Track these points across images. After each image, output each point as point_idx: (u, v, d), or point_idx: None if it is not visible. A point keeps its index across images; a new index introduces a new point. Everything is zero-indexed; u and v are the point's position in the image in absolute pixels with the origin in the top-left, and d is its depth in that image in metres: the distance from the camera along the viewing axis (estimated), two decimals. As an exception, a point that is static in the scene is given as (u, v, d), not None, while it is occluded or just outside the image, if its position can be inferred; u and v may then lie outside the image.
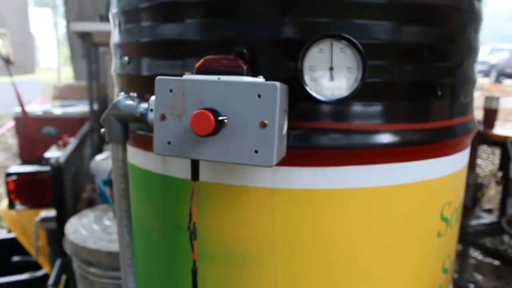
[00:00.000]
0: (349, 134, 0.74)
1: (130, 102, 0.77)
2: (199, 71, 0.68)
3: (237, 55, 0.71)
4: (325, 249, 0.79)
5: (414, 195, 0.82)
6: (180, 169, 0.81)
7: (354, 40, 0.67)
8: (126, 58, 0.90)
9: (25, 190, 2.24)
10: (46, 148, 3.26)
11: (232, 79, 0.65)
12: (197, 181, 0.74)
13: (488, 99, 3.07)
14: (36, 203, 2.30)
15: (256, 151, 0.62)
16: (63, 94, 4.74)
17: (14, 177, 2.21)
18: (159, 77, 0.67)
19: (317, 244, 0.78)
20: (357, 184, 0.77)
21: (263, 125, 0.61)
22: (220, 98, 0.63)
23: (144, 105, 0.75)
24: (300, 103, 0.72)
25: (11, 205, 2.24)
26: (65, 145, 3.17)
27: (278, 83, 0.61)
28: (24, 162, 3.67)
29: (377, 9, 0.73)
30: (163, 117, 0.66)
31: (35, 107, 4.37)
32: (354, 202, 0.78)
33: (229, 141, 0.63)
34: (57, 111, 4.10)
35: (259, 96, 0.61)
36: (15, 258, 2.55)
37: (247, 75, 0.67)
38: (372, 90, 0.74)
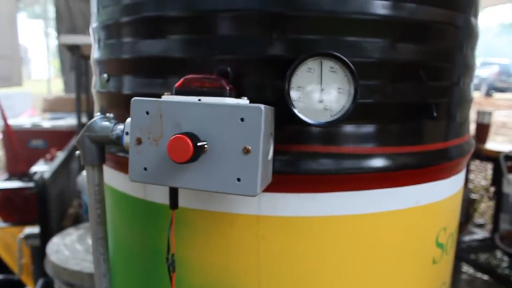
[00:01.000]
0: (339, 159, 0.70)
1: (106, 123, 0.72)
2: (179, 92, 0.63)
3: (220, 74, 0.67)
4: (313, 279, 0.74)
5: (408, 221, 0.78)
6: (160, 195, 0.76)
7: (345, 59, 0.63)
8: (105, 75, 0.85)
9: (8, 207, 2.16)
10: (34, 161, 3.18)
11: (213, 100, 0.60)
12: (178, 207, 0.69)
13: (480, 113, 3.05)
14: (20, 220, 2.22)
15: (238, 179, 0.58)
16: (53, 106, 4.67)
17: (-4, 194, 2.13)
18: (134, 98, 0.62)
19: (305, 274, 0.73)
20: (348, 211, 0.72)
21: (246, 151, 0.57)
22: (200, 122, 0.58)
23: (120, 127, 0.70)
24: (288, 125, 0.68)
25: (-7, 222, 2.16)
26: (52, 159, 3.09)
27: (262, 106, 0.56)
28: (11, 176, 3.59)
29: (369, 26, 0.69)
30: (139, 141, 0.61)
31: (24, 120, 4.30)
32: (344, 230, 0.73)
33: (210, 168, 0.58)
34: (46, 124, 4.03)
35: (242, 119, 0.56)
36: (-2, 277, 2.46)
37: (231, 96, 0.62)
38: (364, 111, 0.70)
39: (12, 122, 3.54)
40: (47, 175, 2.08)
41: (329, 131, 0.69)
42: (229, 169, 0.58)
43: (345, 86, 0.63)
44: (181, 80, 0.63)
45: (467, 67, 0.83)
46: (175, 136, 0.55)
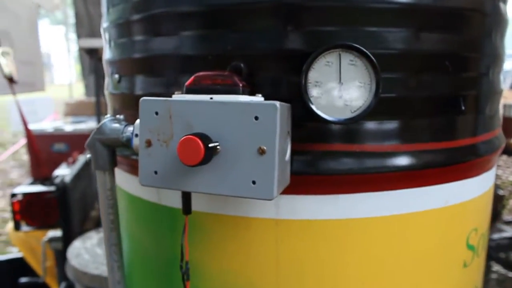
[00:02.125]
0: (362, 157, 0.66)
1: (116, 125, 0.69)
2: (190, 90, 0.60)
3: (233, 70, 0.64)
4: (335, 286, 0.70)
5: (436, 223, 0.73)
6: (174, 199, 0.73)
7: (365, 50, 0.58)
8: (116, 76, 0.83)
9: (31, 211, 2.18)
10: (57, 165, 3.21)
11: (225, 99, 0.57)
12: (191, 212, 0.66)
13: (507, 107, 2.94)
14: (42, 224, 2.24)
15: (253, 182, 0.54)
16: (74, 110, 4.73)
17: (19, 198, 2.15)
18: (143, 98, 0.59)
19: (326, 280, 0.69)
20: (371, 213, 0.68)
21: (262, 151, 0.53)
22: (212, 121, 0.55)
23: (130, 129, 0.67)
24: (306, 123, 0.64)
25: (17, 226, 2.18)
26: (74, 162, 3.12)
27: (278, 103, 0.52)
28: (35, 180, 3.64)
29: (391, 15, 0.64)
30: (148, 143, 0.59)
31: (47, 124, 4.36)
32: (368, 233, 0.69)
33: (223, 170, 0.55)
34: (68, 127, 4.08)
35: (256, 118, 0.53)
36: (23, 280, 2.48)
37: (244, 93, 0.59)
38: (387, 106, 0.66)
39: (34, 127, 3.59)
40: (68, 179, 2.09)
41: (350, 129, 0.65)
42: (243, 171, 0.54)
43: (366, 80, 0.59)
44: (192, 77, 0.60)
45: (496, 57, 0.78)
46: (185, 137, 0.52)
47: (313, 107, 0.59)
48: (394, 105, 0.67)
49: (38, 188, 2.24)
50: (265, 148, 0.53)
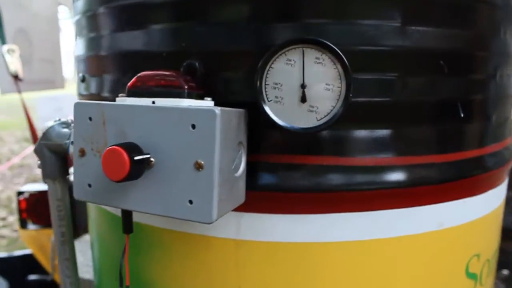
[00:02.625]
0: (340, 172, 0.56)
1: (64, 130, 0.62)
2: (132, 93, 0.52)
3: (187, 70, 0.55)
4: (308, 319, 0.60)
5: (428, 248, 0.62)
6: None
7: (333, 46, 0.49)
8: (80, 75, 0.76)
9: (37, 209, 2.17)
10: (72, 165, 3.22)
11: (163, 103, 0.49)
12: (150, 226, 0.58)
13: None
14: (48, 222, 2.22)
15: (190, 202, 0.46)
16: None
17: (25, 196, 2.14)
18: (77, 101, 0.52)
19: (297, 312, 0.60)
20: (351, 237, 0.58)
21: (199, 166, 0.45)
22: (147, 129, 0.47)
23: (74, 135, 0.60)
24: (271, 132, 0.55)
25: (23, 225, 2.17)
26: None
27: (218, 109, 0.44)
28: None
29: (378, 3, 0.54)
30: (82, 153, 0.51)
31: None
32: (346, 260, 0.59)
33: (157, 187, 0.47)
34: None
35: (193, 126, 0.44)
36: (32, 277, 2.48)
37: (190, 97, 0.50)
38: (374, 112, 0.56)
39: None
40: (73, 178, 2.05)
41: (323, 138, 0.56)
42: (179, 189, 0.46)
43: (335, 81, 0.50)
44: (134, 78, 0.52)
45: (506, 56, 0.66)
46: (109, 148, 0.44)
47: (271, 113, 0.50)
48: (381, 111, 0.57)
49: (45, 186, 2.22)
50: (202, 162, 0.44)
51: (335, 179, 0.56)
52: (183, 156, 0.45)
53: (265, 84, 0.50)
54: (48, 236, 2.41)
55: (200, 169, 0.45)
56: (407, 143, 0.58)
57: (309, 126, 0.50)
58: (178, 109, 0.45)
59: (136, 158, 0.44)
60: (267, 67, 0.50)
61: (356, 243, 0.59)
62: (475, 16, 0.62)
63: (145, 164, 0.47)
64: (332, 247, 0.59)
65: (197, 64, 0.55)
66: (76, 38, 0.80)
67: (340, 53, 0.49)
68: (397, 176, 0.58)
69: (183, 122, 0.45)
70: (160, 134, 0.46)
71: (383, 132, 0.57)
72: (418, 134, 0.59)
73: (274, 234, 0.58)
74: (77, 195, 0.53)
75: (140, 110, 0.47)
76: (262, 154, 0.56)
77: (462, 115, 0.61)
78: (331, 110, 0.50)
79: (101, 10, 0.66)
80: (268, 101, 0.50)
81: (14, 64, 1.84)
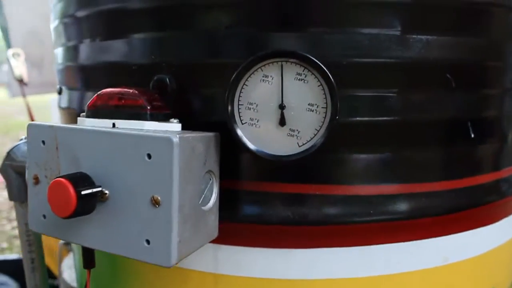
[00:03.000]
0: (328, 202, 0.49)
1: (30, 149, 0.57)
2: (91, 113, 0.46)
3: (156, 85, 0.49)
4: None
5: (433, 285, 0.55)
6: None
7: (316, 60, 0.42)
8: (58, 87, 0.71)
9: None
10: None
11: (123, 126, 0.43)
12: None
13: None
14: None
15: (147, 242, 0.40)
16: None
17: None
18: (30, 122, 0.46)
19: None
20: (338, 274, 0.51)
21: (155, 202, 0.38)
22: (100, 158, 0.41)
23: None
24: (247, 156, 0.49)
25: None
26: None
27: (176, 136, 0.38)
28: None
29: (373, 9, 0.47)
30: (36, 180, 0.46)
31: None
32: (337, 299, 0.52)
33: (113, 223, 0.41)
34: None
35: (149, 156, 0.38)
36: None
37: (154, 118, 0.44)
38: (370, 134, 0.49)
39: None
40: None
41: (312, 164, 0.49)
42: (135, 227, 0.40)
43: (319, 101, 0.43)
44: (94, 96, 0.47)
45: (526, 66, 0.58)
46: (54, 180, 0.39)
47: (244, 137, 0.43)
48: (379, 132, 0.50)
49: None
50: (159, 198, 0.38)
51: (325, 210, 0.49)
52: (139, 189, 0.39)
53: (239, 104, 0.44)
54: (57, 240, 2.39)
55: (157, 206, 0.38)
56: (410, 168, 0.51)
57: (288, 154, 0.43)
58: (131, 135, 0.39)
59: (84, 192, 0.38)
60: (240, 84, 0.43)
61: (347, 281, 0.52)
62: (488, 21, 0.54)
63: (98, 197, 0.41)
64: (319, 285, 0.52)
65: (167, 79, 0.49)
66: (60, 45, 0.75)
67: (324, 68, 0.42)
68: (397, 206, 0.51)
69: (137, 151, 0.39)
70: (115, 164, 0.40)
71: (381, 157, 0.50)
72: (422, 158, 0.52)
73: (254, 269, 0.52)
74: (32, 227, 0.47)
75: (92, 135, 0.41)
76: (240, 180, 0.50)
77: (472, 136, 0.53)
78: (315, 135, 0.43)
79: (66, 20, 0.60)
80: (242, 123, 0.44)
81: (19, 68, 1.83)
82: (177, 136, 0.38)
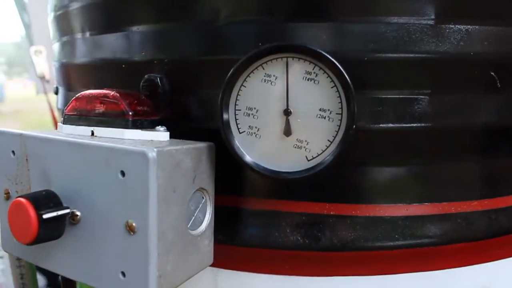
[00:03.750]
0: (344, 224, 0.42)
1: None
2: (69, 119, 0.40)
3: (146, 86, 0.43)
4: None
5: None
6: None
7: (327, 55, 0.34)
8: (55, 87, 0.66)
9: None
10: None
11: (101, 134, 0.37)
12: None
13: None
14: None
15: (123, 274, 0.33)
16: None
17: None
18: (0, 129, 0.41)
19: None
20: (358, 308, 0.44)
21: (130, 228, 0.32)
22: (71, 173, 0.35)
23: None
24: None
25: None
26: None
27: (153, 150, 0.31)
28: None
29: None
30: (7, 195, 0.40)
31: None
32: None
33: (85, 249, 0.35)
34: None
35: (123, 173, 0.32)
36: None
37: (137, 126, 0.38)
38: (396, 144, 0.41)
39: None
40: None
41: (327, 178, 0.41)
42: (109, 256, 0.34)
43: (332, 106, 0.35)
44: (72, 100, 0.41)
45: None
46: (14, 201, 0.33)
47: (241, 150, 0.36)
48: (407, 141, 0.42)
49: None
50: (133, 224, 0.32)
51: (341, 233, 0.42)
52: (113, 213, 0.33)
53: (236, 110, 0.36)
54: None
55: (132, 233, 0.32)
56: (443, 184, 0.43)
57: (295, 169, 0.36)
58: (102, 148, 0.33)
59: (46, 216, 0.32)
60: (237, 86, 0.36)
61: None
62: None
63: (69, 219, 0.35)
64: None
65: (158, 78, 0.42)
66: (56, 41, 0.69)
67: (338, 65, 0.34)
68: (428, 229, 0.43)
69: (110, 167, 0.32)
70: (87, 181, 0.34)
71: (409, 170, 0.42)
72: (458, 172, 0.43)
73: (260, 297, 0.45)
74: (4, 247, 0.42)
75: (61, 146, 0.35)
76: (242, 197, 0.43)
77: (519, 146, 0.44)
78: (327, 147, 0.36)
79: (58, 13, 0.55)
80: (240, 132, 0.37)
81: (41, 65, 1.81)
82: (155, 149, 0.31)
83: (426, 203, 0.42)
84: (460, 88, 0.42)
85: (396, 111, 0.41)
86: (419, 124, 0.41)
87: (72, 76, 0.56)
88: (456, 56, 0.41)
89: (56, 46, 0.65)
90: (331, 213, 0.41)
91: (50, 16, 0.65)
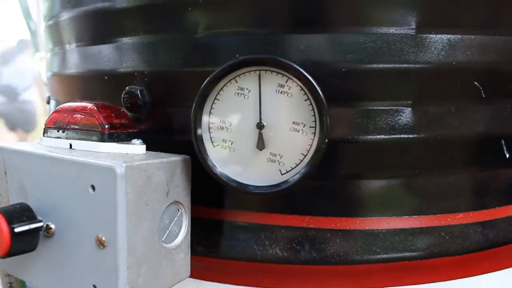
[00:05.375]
0: (332, 237, 0.41)
1: None
2: (50, 131, 0.41)
3: (127, 98, 0.43)
4: None
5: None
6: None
7: (298, 68, 0.34)
8: (47, 96, 0.67)
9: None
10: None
11: (78, 148, 0.37)
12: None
13: None
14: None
15: (94, 287, 0.33)
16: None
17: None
18: (-18, 141, 0.41)
19: None
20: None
21: (100, 242, 0.32)
22: (46, 186, 0.35)
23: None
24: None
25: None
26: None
27: (121, 165, 0.31)
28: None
29: (381, 1, 0.39)
30: (-12, 207, 0.41)
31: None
32: None
33: (58, 262, 0.35)
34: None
35: (93, 188, 0.32)
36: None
37: (116, 138, 0.38)
38: (382, 155, 0.41)
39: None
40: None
41: (312, 189, 0.41)
42: (81, 269, 0.34)
43: (306, 119, 0.35)
44: (52, 112, 0.41)
45: None
46: (-14, 214, 0.33)
47: (212, 164, 0.36)
48: (392, 152, 0.41)
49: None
50: (103, 238, 0.32)
51: (322, 247, 0.41)
52: (84, 227, 0.33)
53: (209, 123, 0.36)
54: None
55: (102, 247, 0.32)
56: (426, 197, 0.42)
57: (269, 184, 0.35)
58: (73, 162, 0.33)
59: (19, 230, 0.33)
60: (210, 99, 0.36)
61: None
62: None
63: (43, 232, 0.35)
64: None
65: (138, 91, 0.42)
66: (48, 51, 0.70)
67: (309, 77, 0.34)
68: (415, 242, 0.42)
69: (81, 181, 0.33)
70: (60, 194, 0.34)
71: (395, 183, 0.42)
72: (446, 183, 0.42)
73: (243, 310, 0.45)
74: (-14, 258, 0.42)
75: (35, 160, 0.35)
76: (222, 209, 0.42)
77: (507, 155, 0.43)
78: (301, 160, 0.35)
79: (45, 23, 0.55)
80: (213, 146, 0.37)
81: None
82: (123, 165, 0.31)
83: (409, 216, 0.42)
84: (444, 98, 0.41)
85: (377, 123, 0.40)
86: (401, 136, 0.41)
87: (60, 87, 0.56)
88: (438, 66, 0.40)
89: (47, 56, 0.65)
90: (311, 226, 0.41)
91: (43, 26, 0.67)
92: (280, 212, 0.41)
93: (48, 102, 0.65)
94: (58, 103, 0.60)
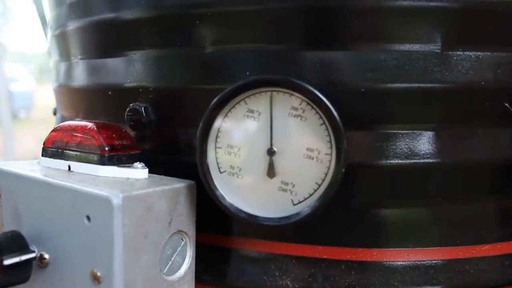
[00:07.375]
0: (342, 269, 0.38)
1: None
2: (49, 152, 0.38)
3: (130, 116, 0.41)
4: None
5: None
6: None
7: (313, 90, 0.31)
8: (54, 108, 0.65)
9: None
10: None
11: (77, 170, 0.35)
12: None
13: None
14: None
15: (89, 325, 0.31)
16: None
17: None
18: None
19: None
20: None
21: (95, 278, 0.30)
22: (41, 213, 0.33)
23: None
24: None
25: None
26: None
27: (119, 196, 0.28)
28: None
29: (404, 18, 0.36)
30: (-17, 230, 0.38)
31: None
32: None
33: (52, 295, 0.33)
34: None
35: (88, 218, 0.30)
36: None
37: (116, 161, 0.36)
38: (401, 182, 0.38)
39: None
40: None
41: (328, 218, 0.38)
42: (75, 305, 0.31)
43: (321, 145, 0.32)
44: (51, 131, 0.39)
45: None
46: (-24, 243, 0.31)
47: (220, 192, 0.33)
48: (415, 180, 0.38)
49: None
50: (98, 274, 0.29)
51: (333, 279, 0.38)
52: (79, 260, 0.31)
53: (216, 147, 0.34)
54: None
55: (97, 282, 0.30)
56: (449, 227, 0.39)
57: (279, 215, 0.33)
58: (67, 189, 0.30)
59: (8, 262, 0.30)
60: (218, 121, 0.33)
61: None
62: None
63: (37, 262, 0.33)
64: None
65: (142, 108, 0.40)
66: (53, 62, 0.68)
67: (327, 101, 0.31)
68: (435, 277, 0.39)
69: (76, 210, 0.30)
70: (55, 222, 0.32)
71: (415, 212, 0.39)
72: (470, 213, 0.39)
73: None
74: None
75: (31, 184, 0.33)
76: (229, 237, 0.40)
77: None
78: (315, 191, 0.32)
79: (52, 33, 0.53)
80: (220, 172, 0.34)
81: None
82: (120, 195, 0.28)
83: (430, 248, 0.38)
84: (470, 121, 0.38)
85: (397, 147, 0.37)
86: (423, 161, 0.38)
87: (65, 99, 0.54)
88: (465, 86, 0.37)
89: (53, 66, 0.64)
90: (324, 256, 0.38)
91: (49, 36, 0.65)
92: (291, 241, 0.38)
93: (55, 114, 0.63)
94: (63, 119, 0.58)
